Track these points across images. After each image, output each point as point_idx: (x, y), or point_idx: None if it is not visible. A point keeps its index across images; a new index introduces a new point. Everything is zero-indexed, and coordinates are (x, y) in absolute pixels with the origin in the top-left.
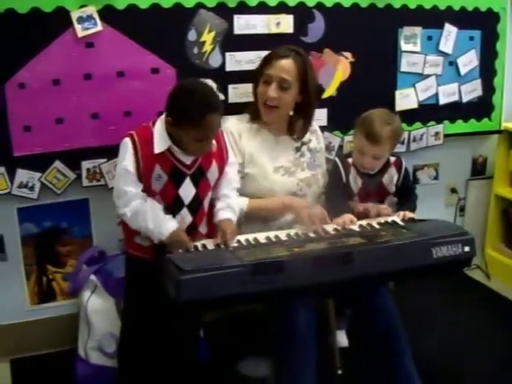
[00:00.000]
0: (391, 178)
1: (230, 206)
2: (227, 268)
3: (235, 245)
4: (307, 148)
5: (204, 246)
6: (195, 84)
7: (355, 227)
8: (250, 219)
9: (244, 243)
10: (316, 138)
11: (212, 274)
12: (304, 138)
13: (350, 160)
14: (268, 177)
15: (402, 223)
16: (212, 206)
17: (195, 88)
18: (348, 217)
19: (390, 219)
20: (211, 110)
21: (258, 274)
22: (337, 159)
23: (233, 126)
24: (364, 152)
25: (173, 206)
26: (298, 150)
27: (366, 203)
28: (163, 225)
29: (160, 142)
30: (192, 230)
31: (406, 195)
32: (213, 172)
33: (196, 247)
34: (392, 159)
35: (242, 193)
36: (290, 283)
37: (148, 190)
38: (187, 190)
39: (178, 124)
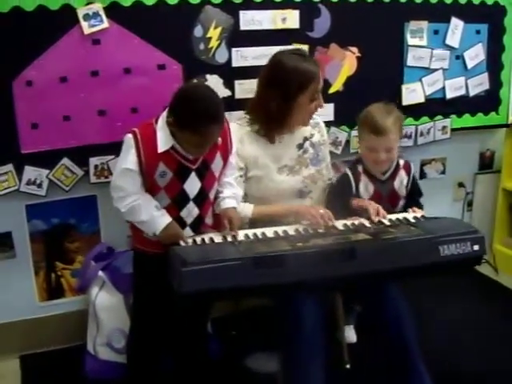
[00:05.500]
0: (401, 181)
1: (235, 195)
2: (228, 261)
3: (242, 238)
4: (310, 143)
5: (211, 239)
6: (201, 91)
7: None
8: (255, 223)
9: (251, 237)
10: (319, 130)
11: (213, 267)
12: (306, 133)
13: (360, 168)
14: (273, 178)
15: (412, 220)
16: (215, 195)
17: (201, 96)
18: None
19: (401, 216)
20: (214, 121)
21: (259, 267)
22: (347, 170)
23: (234, 133)
24: (376, 149)
25: (178, 201)
26: (300, 146)
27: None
28: (157, 220)
29: (163, 141)
30: (199, 222)
31: (412, 203)
32: (217, 163)
33: (203, 240)
34: (401, 162)
35: (248, 195)
36: (291, 277)
37: (152, 186)
38: (192, 185)
39: (179, 127)
